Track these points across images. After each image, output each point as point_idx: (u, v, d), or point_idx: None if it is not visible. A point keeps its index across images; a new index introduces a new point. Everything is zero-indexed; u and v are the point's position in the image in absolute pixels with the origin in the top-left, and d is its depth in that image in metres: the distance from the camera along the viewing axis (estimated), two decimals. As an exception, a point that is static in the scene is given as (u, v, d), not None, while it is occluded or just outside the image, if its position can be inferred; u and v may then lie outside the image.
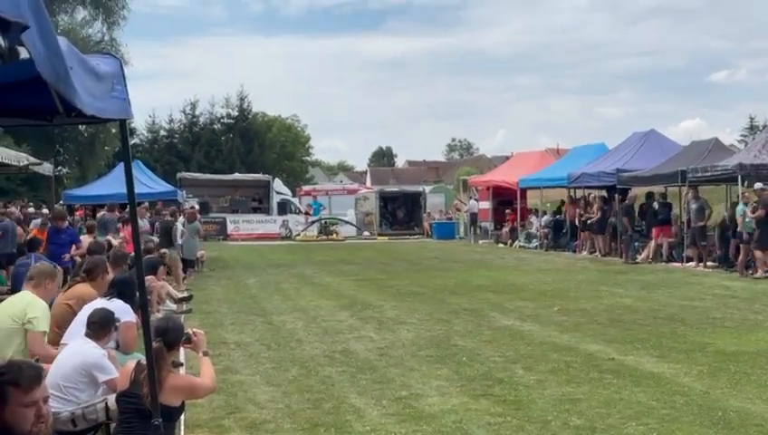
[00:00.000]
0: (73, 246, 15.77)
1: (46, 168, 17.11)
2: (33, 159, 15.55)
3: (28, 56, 2.41)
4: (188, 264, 19.95)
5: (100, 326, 6.43)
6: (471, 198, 42.77)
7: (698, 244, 22.15)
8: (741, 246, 20.07)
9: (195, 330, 6.00)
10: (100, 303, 7.35)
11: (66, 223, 16.41)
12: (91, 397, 6.17)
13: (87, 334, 6.43)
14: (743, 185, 20.55)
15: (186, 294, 16.34)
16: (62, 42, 2.87)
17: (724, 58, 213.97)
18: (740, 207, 20.11)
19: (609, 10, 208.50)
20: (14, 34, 2.24)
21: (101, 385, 6.17)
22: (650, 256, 23.99)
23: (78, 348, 6.30)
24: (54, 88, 3.00)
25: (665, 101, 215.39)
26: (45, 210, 28.82)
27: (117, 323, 6.88)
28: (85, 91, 3.20)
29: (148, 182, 31.52)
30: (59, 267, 13.68)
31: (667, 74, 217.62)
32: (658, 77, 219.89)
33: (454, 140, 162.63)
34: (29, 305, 6.80)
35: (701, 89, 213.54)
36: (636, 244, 24.91)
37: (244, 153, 66.33)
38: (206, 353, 5.95)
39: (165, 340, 5.48)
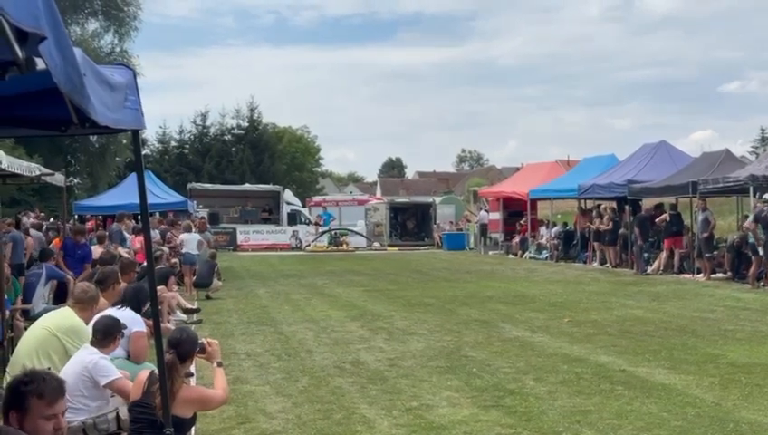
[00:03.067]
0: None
1: (58, 178, 17.12)
2: (44, 170, 15.54)
3: (44, 67, 2.44)
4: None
5: (104, 335, 6.43)
6: (481, 208, 42.77)
7: (703, 255, 22.14)
8: (752, 257, 20.00)
9: (209, 340, 6.00)
10: (111, 312, 7.37)
11: (84, 239, 16.45)
12: (101, 405, 6.19)
13: (92, 342, 6.45)
14: (754, 196, 20.49)
15: (196, 305, 16.37)
16: (78, 53, 2.90)
17: (735, 69, 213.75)
18: (751, 218, 20.07)
19: (620, 21, 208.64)
20: (32, 45, 2.26)
21: (107, 390, 6.18)
22: (661, 268, 23.93)
23: (79, 356, 6.32)
24: (70, 98, 3.02)
25: (676, 112, 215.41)
26: (52, 220, 28.91)
27: (125, 332, 6.90)
28: (99, 102, 3.22)
29: (158, 193, 31.56)
30: (70, 278, 13.81)
31: (678, 85, 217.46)
32: (669, 88, 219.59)
33: (464, 151, 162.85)
34: (77, 331, 6.86)
35: (712, 100, 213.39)
36: (645, 254, 24.86)
37: (254, 164, 66.43)
38: (219, 364, 5.95)
39: (178, 352, 5.49)
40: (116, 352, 6.86)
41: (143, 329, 7.60)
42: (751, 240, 19.81)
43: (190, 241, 20.86)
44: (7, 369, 6.98)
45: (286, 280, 23.85)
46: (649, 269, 24.24)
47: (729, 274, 21.65)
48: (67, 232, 17.91)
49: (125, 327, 6.94)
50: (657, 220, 24.59)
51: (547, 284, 21.84)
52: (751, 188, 20.33)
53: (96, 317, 6.99)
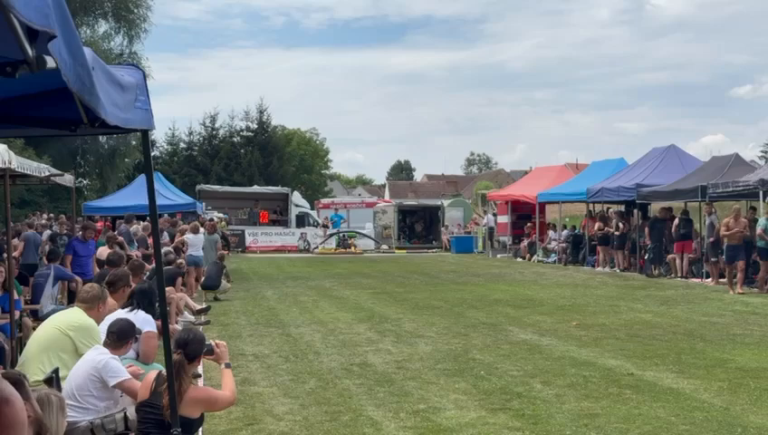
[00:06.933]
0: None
1: (67, 179, 17.18)
2: (54, 171, 15.60)
3: (54, 66, 2.44)
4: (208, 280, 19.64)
5: (119, 337, 6.46)
6: (486, 212, 42.77)
7: (709, 260, 22.12)
8: (761, 262, 19.93)
9: (217, 341, 6.02)
10: (123, 314, 7.39)
11: (92, 235, 16.49)
12: (110, 406, 6.19)
13: (105, 343, 6.47)
14: (764, 200, 20.43)
15: (204, 305, 16.39)
16: (88, 52, 2.90)
17: (746, 73, 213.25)
18: (761, 221, 20.00)
19: (630, 24, 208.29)
20: (42, 44, 2.27)
21: (116, 391, 6.19)
22: (677, 273, 23.88)
23: (88, 355, 6.34)
24: (79, 97, 3.03)
25: (686, 116, 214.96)
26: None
27: (138, 335, 6.92)
28: (109, 102, 3.23)
29: (167, 194, 31.68)
30: (78, 279, 13.83)
31: (689, 89, 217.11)
32: (680, 92, 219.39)
33: (473, 154, 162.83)
34: (88, 330, 6.91)
35: (723, 104, 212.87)
36: (647, 255, 24.90)
37: (263, 166, 66.45)
38: (228, 365, 5.96)
39: (186, 352, 5.49)
40: (126, 353, 6.88)
41: (153, 329, 7.61)
42: (759, 244, 19.74)
43: (195, 242, 20.82)
44: (17, 368, 6.99)
45: (294, 282, 23.86)
46: (655, 272, 24.28)
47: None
48: (75, 232, 17.93)
49: (139, 332, 6.97)
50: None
51: (555, 287, 21.81)
52: (761, 193, 20.26)
53: (111, 319, 7.02)
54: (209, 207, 38.57)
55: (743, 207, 25.44)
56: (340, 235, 42.87)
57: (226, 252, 38.35)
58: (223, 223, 41.24)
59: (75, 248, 15.53)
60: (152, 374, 5.74)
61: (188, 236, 21.02)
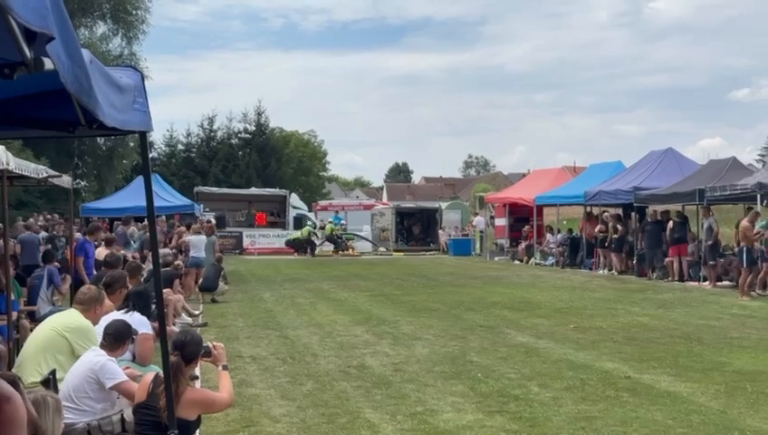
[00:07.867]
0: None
1: (65, 180, 17.14)
2: (52, 172, 15.55)
3: (52, 67, 2.44)
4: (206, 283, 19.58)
5: (115, 338, 6.46)
6: (476, 214, 42.82)
7: (707, 263, 22.14)
8: (764, 264, 19.93)
9: (215, 343, 6.01)
10: (119, 315, 7.39)
11: (95, 239, 16.51)
12: (106, 407, 6.19)
13: (101, 345, 6.46)
14: (761, 204, 20.45)
15: (201, 309, 16.37)
16: (86, 54, 2.90)
17: (745, 76, 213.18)
18: (761, 223, 20.02)
19: (630, 27, 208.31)
20: (40, 45, 2.27)
21: (113, 392, 6.18)
22: (675, 276, 23.93)
23: (85, 357, 6.33)
24: (77, 99, 3.03)
25: (684, 119, 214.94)
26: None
27: (134, 337, 6.92)
28: (107, 103, 3.23)
29: (165, 196, 31.65)
30: (61, 291, 13.82)
31: (688, 92, 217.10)
32: (678, 95, 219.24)
33: (471, 156, 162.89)
34: (84, 331, 6.92)
35: (721, 107, 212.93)
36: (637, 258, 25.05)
37: (260, 168, 66.42)
38: (225, 367, 5.95)
39: (183, 354, 5.49)
40: (123, 355, 6.88)
41: (149, 331, 7.60)
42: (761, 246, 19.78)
43: (197, 244, 20.82)
44: (13, 370, 6.99)
45: (292, 284, 23.85)
46: (653, 276, 24.34)
47: (735, 281, 21.62)
48: (74, 234, 17.93)
49: (136, 333, 6.97)
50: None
51: (553, 290, 21.81)
52: (758, 196, 20.27)
53: (108, 320, 7.01)
54: (207, 209, 38.56)
55: (741, 211, 25.51)
56: (338, 237, 42.82)
57: (339, 252, 38.71)
58: (339, 224, 41.41)
59: (87, 250, 15.56)
60: (149, 376, 5.74)
61: (190, 238, 21.06)
